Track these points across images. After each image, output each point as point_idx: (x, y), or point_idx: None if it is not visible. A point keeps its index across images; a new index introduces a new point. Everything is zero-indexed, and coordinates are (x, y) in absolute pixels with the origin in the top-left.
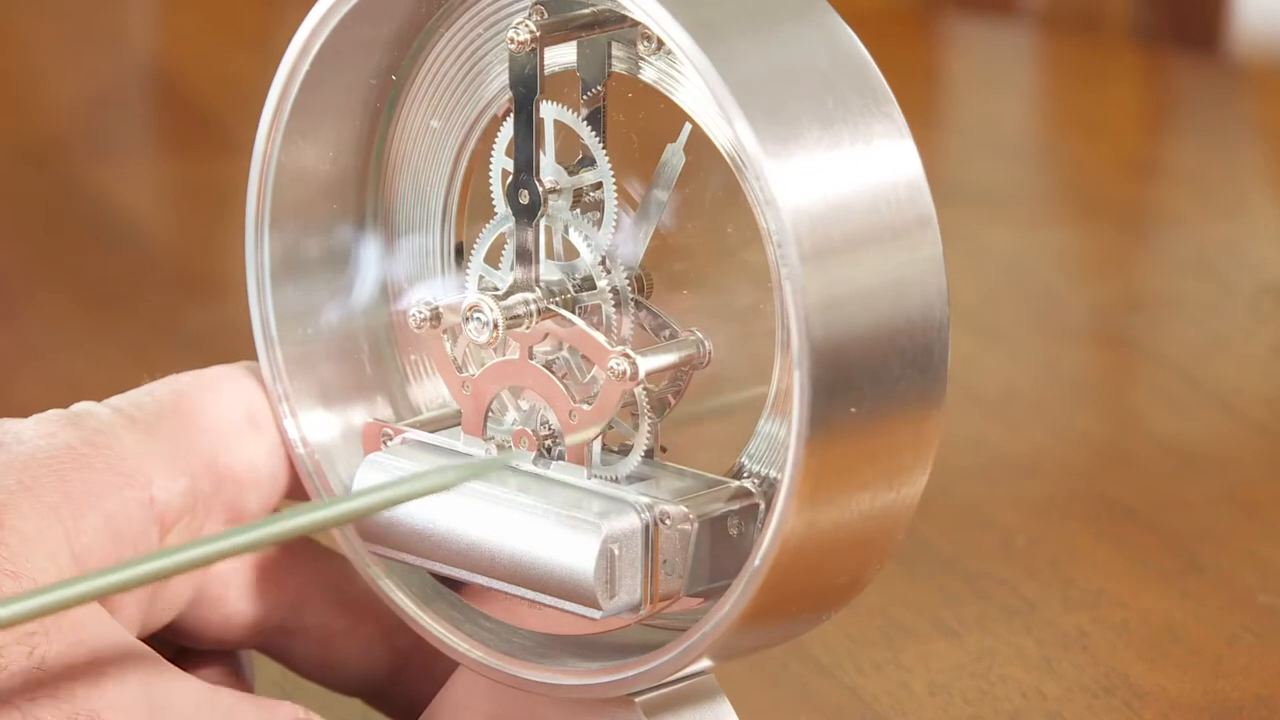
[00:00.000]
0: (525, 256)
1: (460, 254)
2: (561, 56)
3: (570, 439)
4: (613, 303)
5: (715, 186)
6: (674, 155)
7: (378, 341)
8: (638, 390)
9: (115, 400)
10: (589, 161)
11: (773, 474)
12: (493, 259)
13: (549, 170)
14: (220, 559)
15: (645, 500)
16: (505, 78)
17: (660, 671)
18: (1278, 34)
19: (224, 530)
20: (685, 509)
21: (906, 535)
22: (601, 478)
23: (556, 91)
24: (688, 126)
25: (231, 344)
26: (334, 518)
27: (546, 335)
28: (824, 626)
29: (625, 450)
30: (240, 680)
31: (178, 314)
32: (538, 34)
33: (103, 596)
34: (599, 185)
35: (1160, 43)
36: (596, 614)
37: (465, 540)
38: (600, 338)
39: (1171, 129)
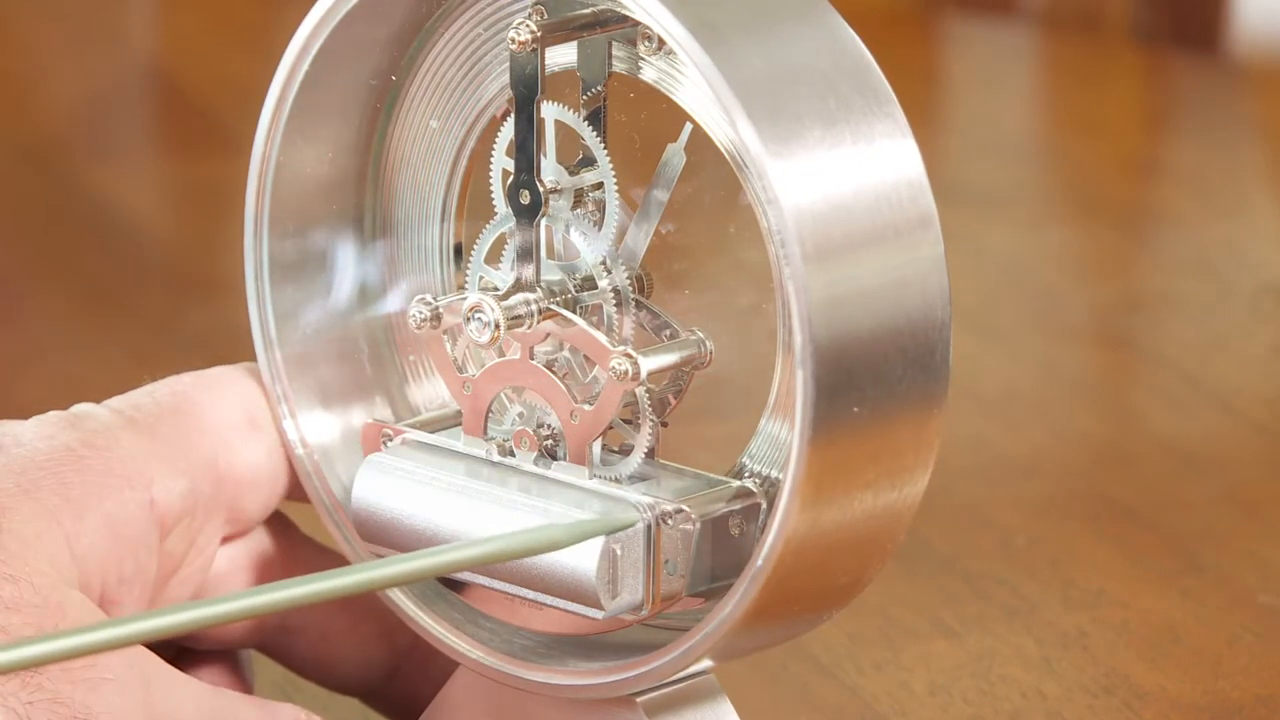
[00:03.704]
0: (526, 256)
1: (460, 254)
2: (562, 56)
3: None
4: (614, 303)
5: (716, 186)
6: (675, 155)
7: (377, 342)
8: (639, 390)
9: (115, 401)
10: (590, 161)
11: (774, 474)
12: (493, 259)
13: (550, 170)
14: (286, 607)
15: (647, 500)
16: (504, 78)
17: (661, 671)
18: (1278, 34)
19: (287, 580)
20: (687, 509)
21: (907, 535)
22: (603, 478)
23: (557, 91)
24: (688, 126)
25: (231, 344)
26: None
27: (547, 335)
28: (824, 626)
29: (626, 450)
30: (240, 680)
31: (178, 314)
32: (538, 34)
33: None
34: (600, 185)
35: (1160, 43)
36: (599, 614)
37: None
38: (601, 338)
39: (1171, 129)
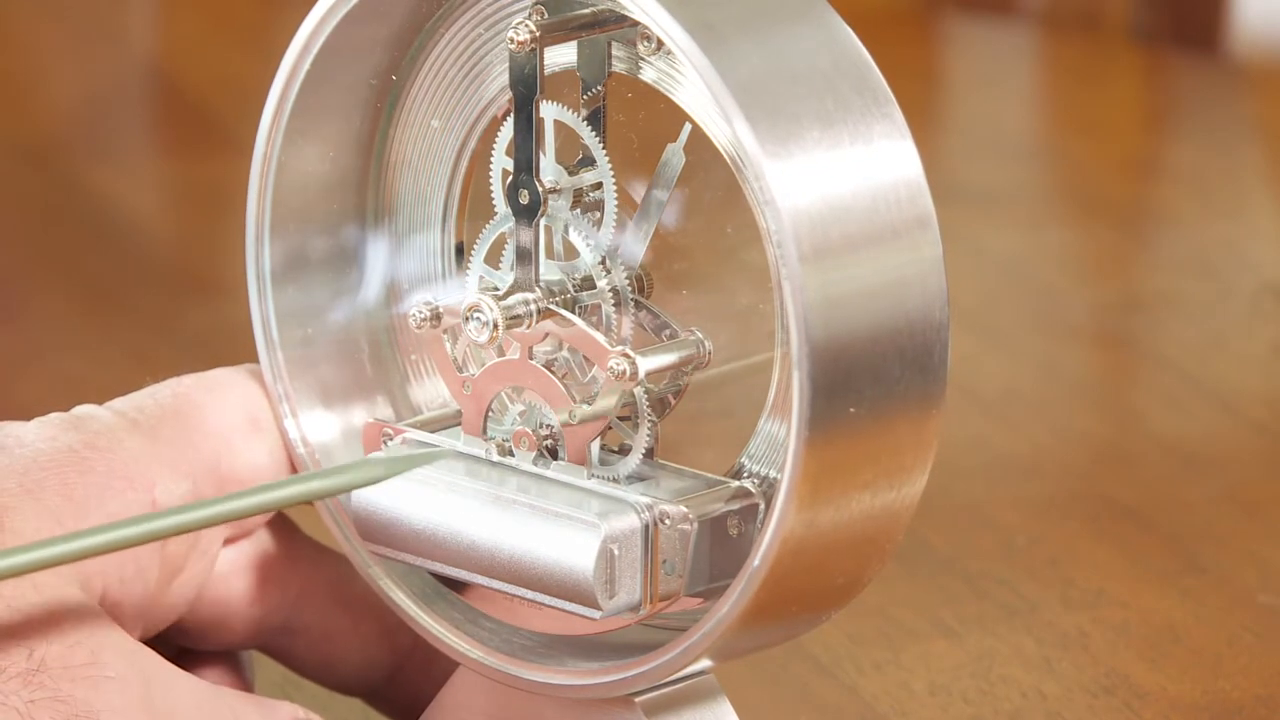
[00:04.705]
0: (525, 256)
1: (460, 254)
2: (561, 56)
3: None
4: (612, 302)
5: (715, 186)
6: (674, 155)
7: (378, 341)
8: (637, 390)
9: (117, 403)
10: (589, 161)
11: (772, 474)
12: (493, 259)
13: (549, 170)
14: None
15: (645, 500)
16: (505, 78)
17: (660, 671)
18: (1278, 34)
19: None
20: (685, 509)
21: (906, 535)
22: (601, 478)
23: (556, 91)
24: (687, 126)
25: (231, 344)
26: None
27: (546, 335)
28: (824, 626)
29: (625, 450)
30: (240, 680)
31: (178, 314)
32: (538, 34)
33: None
34: (599, 185)
35: (1160, 43)
36: (596, 614)
37: (465, 540)
38: (600, 337)
39: (1171, 129)
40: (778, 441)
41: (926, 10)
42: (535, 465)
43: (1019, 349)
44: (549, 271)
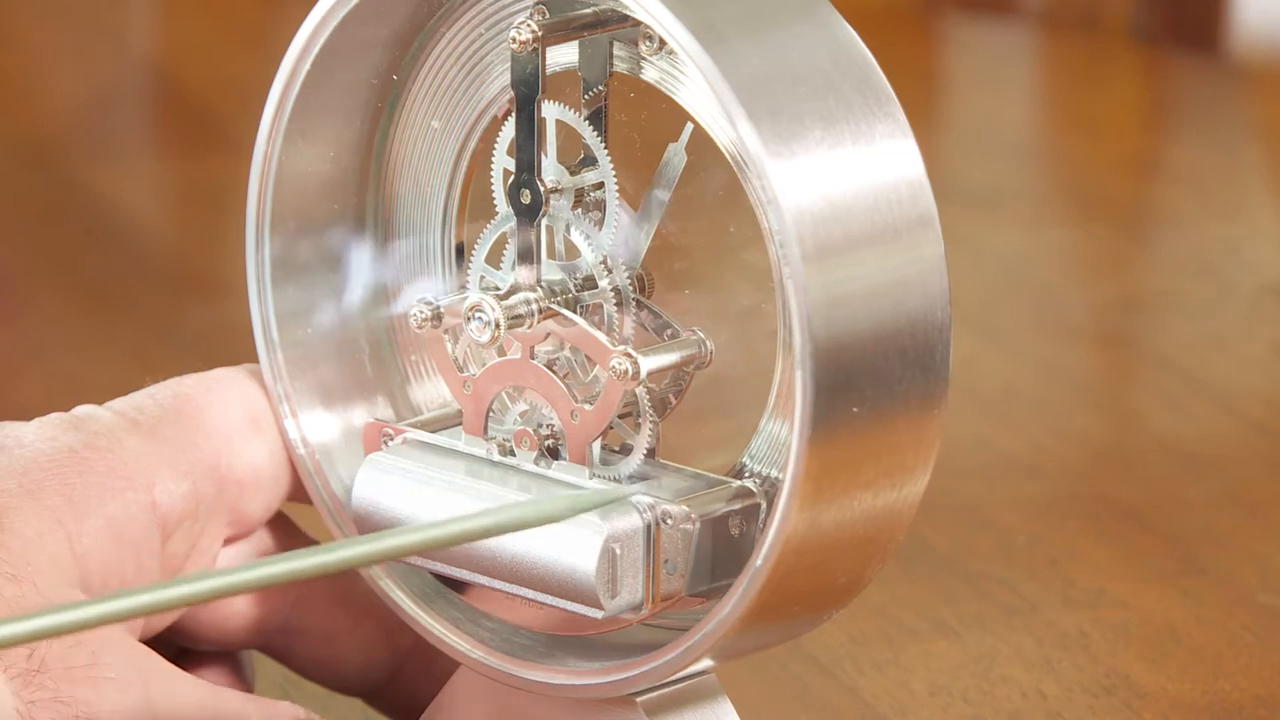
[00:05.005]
0: (527, 256)
1: (461, 254)
2: (563, 56)
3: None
4: (614, 302)
5: (717, 186)
6: (675, 155)
7: (378, 342)
8: (639, 390)
9: (117, 403)
10: (590, 161)
11: (774, 474)
12: (494, 259)
13: (550, 170)
14: (290, 580)
15: (647, 500)
16: (506, 78)
17: (661, 671)
18: (1278, 34)
19: (290, 552)
20: (687, 509)
21: (907, 535)
22: (603, 477)
23: (558, 91)
24: (689, 126)
25: (231, 344)
26: (414, 545)
27: (548, 335)
28: (824, 626)
29: (627, 450)
30: (240, 680)
31: (178, 314)
32: (539, 34)
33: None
34: (600, 185)
35: (1160, 43)
36: (598, 614)
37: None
38: (602, 337)
39: (1171, 129)
40: (780, 441)
41: (926, 10)
42: (536, 465)
43: (1019, 349)
44: (550, 271)
